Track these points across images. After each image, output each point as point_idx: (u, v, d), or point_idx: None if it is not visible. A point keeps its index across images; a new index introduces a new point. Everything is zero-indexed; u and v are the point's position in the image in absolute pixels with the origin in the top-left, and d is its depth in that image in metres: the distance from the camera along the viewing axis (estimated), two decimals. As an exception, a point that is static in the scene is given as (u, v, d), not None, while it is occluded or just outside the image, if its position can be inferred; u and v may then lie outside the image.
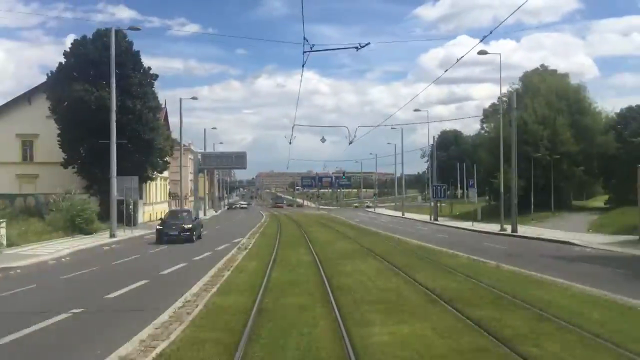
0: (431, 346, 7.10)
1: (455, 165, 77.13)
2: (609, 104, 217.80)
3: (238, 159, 66.71)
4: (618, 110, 54.77)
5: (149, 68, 38.90)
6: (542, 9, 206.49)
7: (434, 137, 66.49)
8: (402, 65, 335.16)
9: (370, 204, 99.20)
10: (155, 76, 39.59)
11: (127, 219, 31.63)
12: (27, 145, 41.59)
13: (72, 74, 36.06)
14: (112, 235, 27.94)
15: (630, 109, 53.62)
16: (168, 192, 60.86)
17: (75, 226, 29.00)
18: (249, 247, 22.69)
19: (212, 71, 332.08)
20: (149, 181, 43.77)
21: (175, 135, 51.76)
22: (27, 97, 41.21)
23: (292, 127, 61.81)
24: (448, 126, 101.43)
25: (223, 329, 8.09)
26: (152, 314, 9.34)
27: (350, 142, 38.58)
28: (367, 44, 15.50)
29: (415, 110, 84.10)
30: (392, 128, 64.35)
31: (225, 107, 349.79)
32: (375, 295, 11.07)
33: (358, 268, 15.37)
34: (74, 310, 10.18)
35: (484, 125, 64.50)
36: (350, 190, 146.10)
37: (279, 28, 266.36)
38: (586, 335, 7.52)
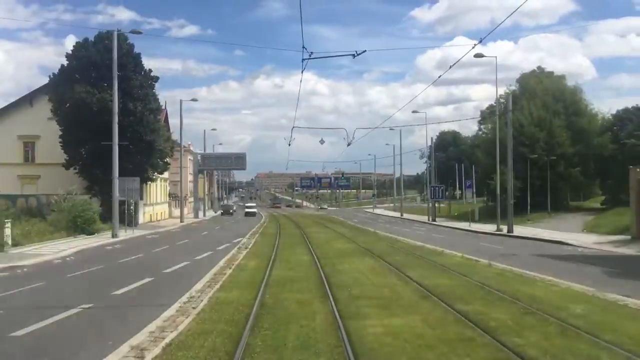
0: (421, 336, 7.62)
1: (454, 166, 77.66)
2: (606, 105, 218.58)
3: (237, 160, 67.25)
4: (614, 112, 55.39)
5: (150, 70, 39.42)
6: (540, 11, 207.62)
7: (432, 138, 67.22)
8: (400, 66, 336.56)
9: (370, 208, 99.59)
10: (156, 78, 40.10)
11: (128, 219, 32.13)
12: (28, 147, 42.08)
13: (73, 75, 36.53)
14: (114, 235, 28.42)
15: (626, 110, 54.14)
16: (168, 192, 61.30)
17: (77, 226, 29.45)
18: (250, 246, 23.18)
19: (210, 72, 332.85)
20: (149, 182, 44.26)
21: (175, 136, 52.27)
22: (28, 99, 41.69)
23: (292, 129, 62.43)
24: (447, 127, 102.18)
25: (227, 321, 8.60)
26: (158, 309, 9.83)
27: (349, 144, 39.19)
28: (363, 52, 16.02)
29: (414, 111, 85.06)
30: (390, 129, 64.99)
31: (224, 107, 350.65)
32: (371, 291, 11.58)
33: (355, 266, 15.90)
34: (84, 306, 10.66)
35: (482, 127, 65.14)
36: (349, 191, 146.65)
37: (278, 29, 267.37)
38: (567, 327, 8.04)
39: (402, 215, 64.90)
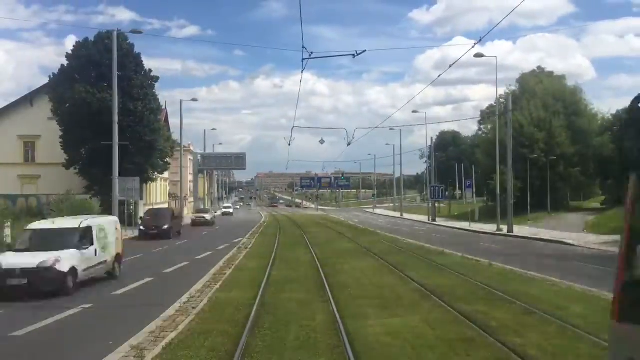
0: (421, 336, 7.63)
1: (454, 166, 77.65)
2: (606, 105, 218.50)
3: (237, 160, 67.30)
4: (614, 112, 55.36)
5: (150, 70, 39.38)
6: (538, 12, 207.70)
7: (432, 138, 67.12)
8: (399, 66, 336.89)
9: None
10: (156, 78, 40.07)
11: (128, 219, 32.10)
12: (28, 147, 42.03)
13: (73, 75, 36.51)
14: (114, 235, 28.35)
15: (626, 110, 54.11)
16: (168, 192, 61.31)
17: (78, 226, 29.38)
18: (249, 246, 23.18)
19: (211, 72, 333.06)
20: (150, 182, 44.25)
21: (175, 136, 52.28)
22: (29, 99, 41.66)
23: (292, 129, 62.47)
24: (446, 127, 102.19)
25: (227, 321, 8.60)
26: (158, 309, 9.83)
27: (349, 144, 39.16)
28: (363, 52, 16.02)
29: (414, 111, 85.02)
30: (390, 129, 64.93)
31: (224, 108, 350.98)
32: (371, 291, 11.58)
33: (355, 266, 15.89)
34: (84, 306, 10.67)
35: (482, 127, 65.13)
36: (349, 191, 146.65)
37: (278, 29, 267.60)
38: (567, 327, 8.04)
39: (402, 215, 64.89)
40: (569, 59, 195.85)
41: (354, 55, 15.96)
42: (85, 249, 12.89)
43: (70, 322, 9.45)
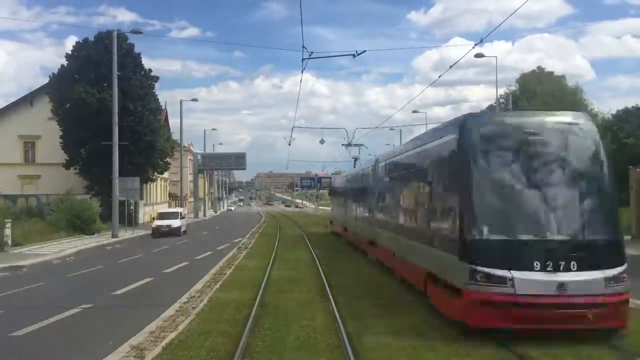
0: (422, 335, 7.61)
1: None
2: (605, 105, 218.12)
3: (238, 160, 67.17)
4: (614, 112, 55.29)
5: (150, 70, 39.34)
6: (537, 13, 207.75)
7: (432, 138, 66.98)
8: (398, 67, 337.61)
9: None
10: (156, 78, 40.03)
11: (128, 219, 32.10)
12: (28, 147, 42.03)
13: (73, 75, 36.47)
14: (114, 235, 28.39)
15: (626, 110, 54.02)
16: (168, 192, 61.30)
17: (77, 226, 29.44)
18: (249, 246, 23.16)
19: (211, 73, 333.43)
20: (150, 182, 44.25)
21: (175, 136, 52.26)
22: (29, 99, 41.65)
23: (292, 129, 62.50)
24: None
25: (227, 321, 8.60)
26: (158, 309, 9.82)
27: (349, 144, 39.02)
28: (363, 52, 15.98)
29: (414, 111, 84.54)
30: (390, 129, 64.82)
31: (224, 108, 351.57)
32: (372, 291, 11.56)
33: (355, 266, 15.86)
34: (84, 306, 10.66)
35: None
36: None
37: (277, 30, 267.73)
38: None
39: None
40: (568, 59, 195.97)
41: (354, 55, 15.93)
42: (182, 219, 33.10)
43: (70, 322, 9.44)
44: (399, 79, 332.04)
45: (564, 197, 7.60)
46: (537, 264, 7.16)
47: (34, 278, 14.75)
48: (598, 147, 7.99)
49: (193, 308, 9.80)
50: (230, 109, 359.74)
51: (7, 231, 21.71)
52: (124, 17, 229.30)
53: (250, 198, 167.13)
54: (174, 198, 61.39)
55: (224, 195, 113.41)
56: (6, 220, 22.12)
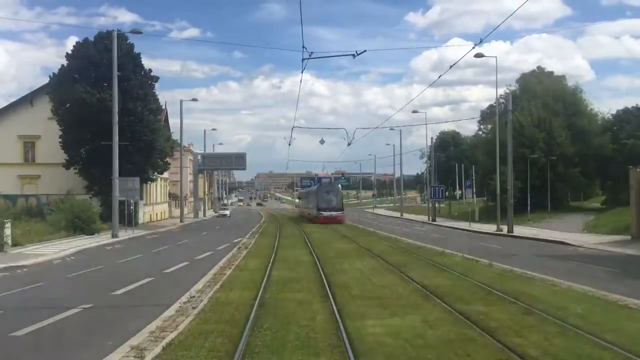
0: (421, 336, 7.62)
1: (454, 166, 77.46)
2: (605, 105, 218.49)
3: (238, 160, 67.13)
4: (614, 112, 55.31)
5: (150, 70, 39.39)
6: (535, 14, 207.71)
7: (432, 138, 67.20)
8: (397, 67, 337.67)
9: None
10: (156, 78, 40.07)
11: (128, 219, 32.12)
12: (28, 147, 42.07)
13: (73, 75, 36.50)
14: (114, 235, 28.42)
15: (626, 110, 54.06)
16: (168, 192, 61.26)
17: (77, 226, 29.45)
18: (249, 246, 23.17)
19: (210, 73, 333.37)
20: (149, 182, 44.26)
21: (175, 136, 52.24)
22: (29, 99, 41.67)
23: (292, 129, 62.96)
24: (446, 127, 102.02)
25: (227, 321, 8.59)
26: (158, 309, 9.83)
27: (349, 144, 39.58)
28: (363, 52, 16.01)
29: (414, 111, 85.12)
30: (390, 129, 65.15)
31: (224, 108, 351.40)
32: (371, 291, 11.57)
33: (355, 266, 15.89)
34: (84, 306, 10.65)
35: (481, 127, 65.09)
36: (349, 191, 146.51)
37: (277, 31, 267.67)
38: (567, 327, 8.04)
39: (402, 215, 64.86)
40: (568, 60, 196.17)
41: (354, 55, 15.98)
42: (230, 208, 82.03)
43: (70, 322, 9.44)
44: (398, 79, 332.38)
45: None
46: None
47: (34, 278, 14.74)
48: None
49: (193, 308, 9.80)
50: (230, 109, 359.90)
51: (7, 231, 21.71)
52: (125, 17, 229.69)
53: (251, 198, 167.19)
54: (174, 198, 61.36)
55: (224, 195, 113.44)
56: (6, 220, 22.11)
